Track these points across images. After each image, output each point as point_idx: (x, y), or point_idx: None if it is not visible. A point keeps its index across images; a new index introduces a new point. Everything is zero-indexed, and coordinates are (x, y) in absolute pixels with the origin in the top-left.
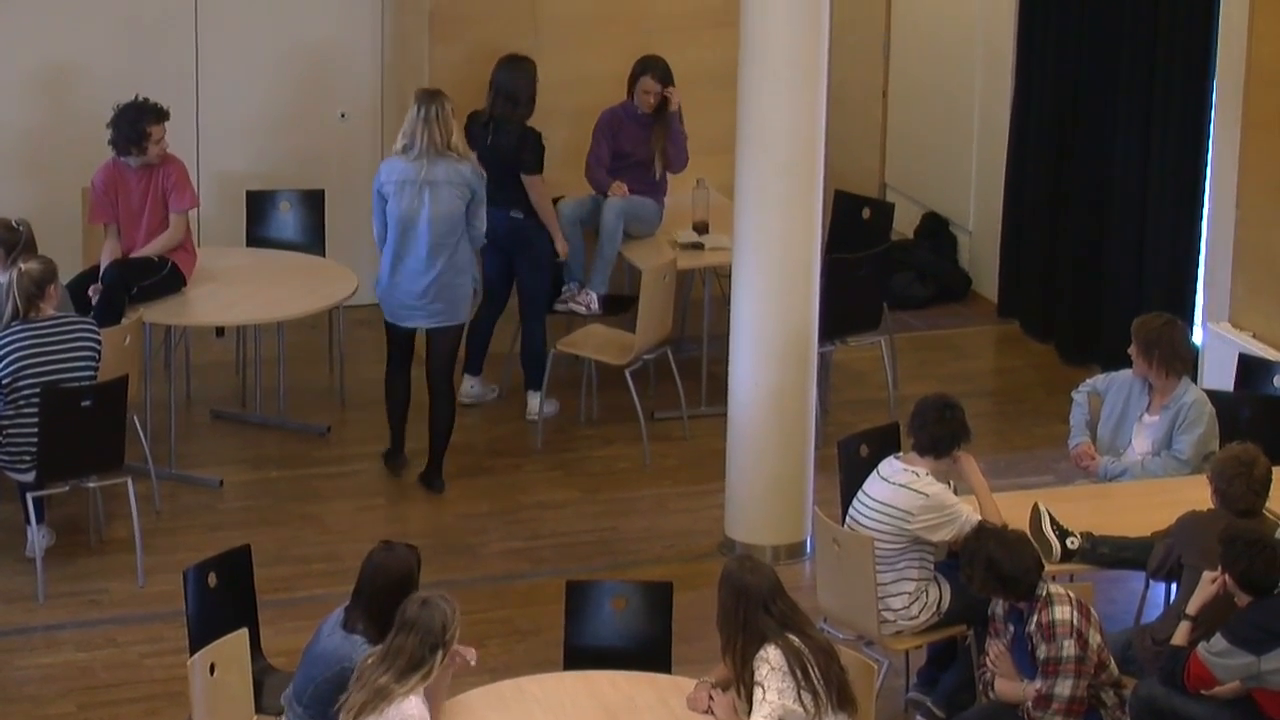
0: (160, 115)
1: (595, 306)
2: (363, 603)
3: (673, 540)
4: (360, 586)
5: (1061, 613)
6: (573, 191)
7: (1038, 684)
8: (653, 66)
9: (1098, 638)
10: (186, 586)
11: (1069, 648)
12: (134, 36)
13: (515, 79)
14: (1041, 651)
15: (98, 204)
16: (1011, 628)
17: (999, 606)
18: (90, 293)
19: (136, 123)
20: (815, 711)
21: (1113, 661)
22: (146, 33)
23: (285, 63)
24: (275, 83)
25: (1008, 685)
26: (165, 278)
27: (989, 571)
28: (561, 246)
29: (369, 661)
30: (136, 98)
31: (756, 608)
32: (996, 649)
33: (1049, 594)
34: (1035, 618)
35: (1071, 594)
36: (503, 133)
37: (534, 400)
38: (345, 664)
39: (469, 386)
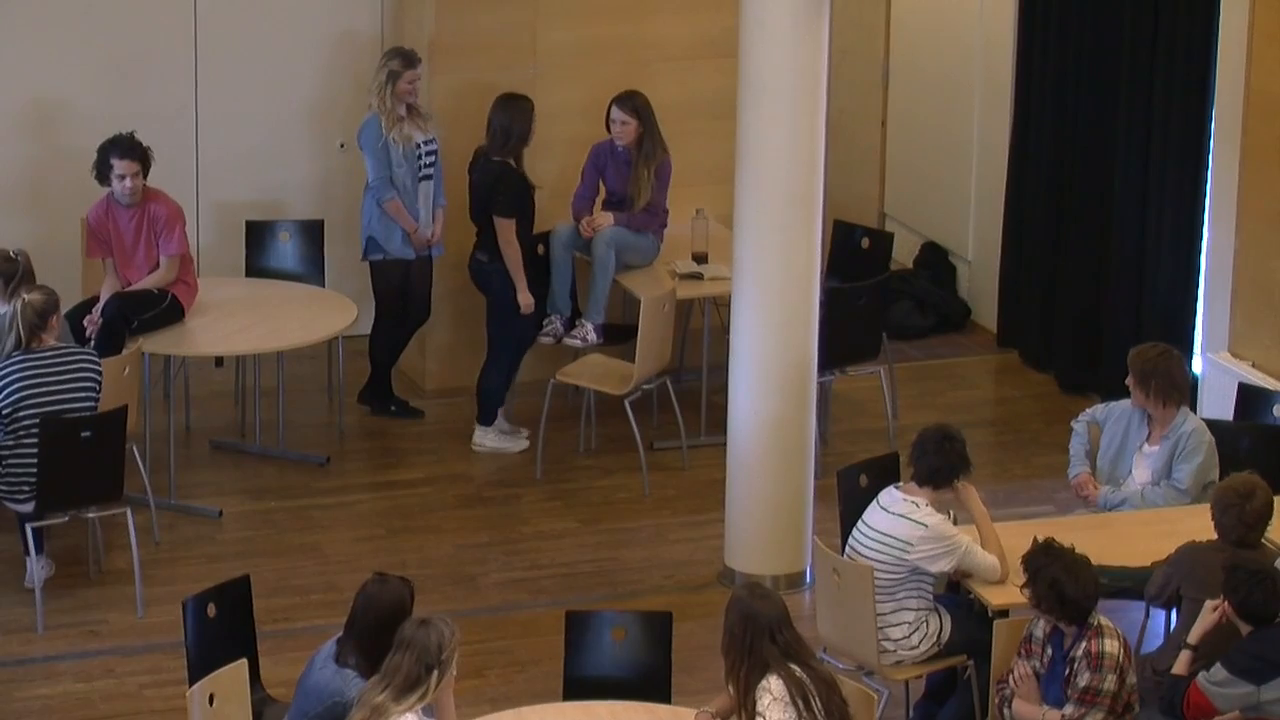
0: (126, 150)
1: (593, 338)
2: (354, 635)
3: (672, 570)
4: (352, 619)
5: (1111, 646)
6: (556, 223)
7: (1068, 710)
8: (621, 99)
9: (1133, 678)
10: (186, 617)
11: (1111, 682)
12: (134, 68)
13: (508, 116)
14: (1083, 680)
15: (91, 240)
16: (1050, 650)
17: (1038, 628)
18: (85, 323)
19: (103, 153)
20: None
21: (1138, 705)
22: (146, 64)
23: (284, 93)
24: (274, 113)
25: (1026, 708)
26: (164, 311)
27: (1051, 590)
28: (524, 299)
29: (369, 683)
30: (120, 133)
31: (762, 635)
32: (1022, 670)
33: (1100, 624)
34: (1084, 644)
35: (1119, 630)
36: (484, 170)
37: (478, 433)
38: (337, 699)
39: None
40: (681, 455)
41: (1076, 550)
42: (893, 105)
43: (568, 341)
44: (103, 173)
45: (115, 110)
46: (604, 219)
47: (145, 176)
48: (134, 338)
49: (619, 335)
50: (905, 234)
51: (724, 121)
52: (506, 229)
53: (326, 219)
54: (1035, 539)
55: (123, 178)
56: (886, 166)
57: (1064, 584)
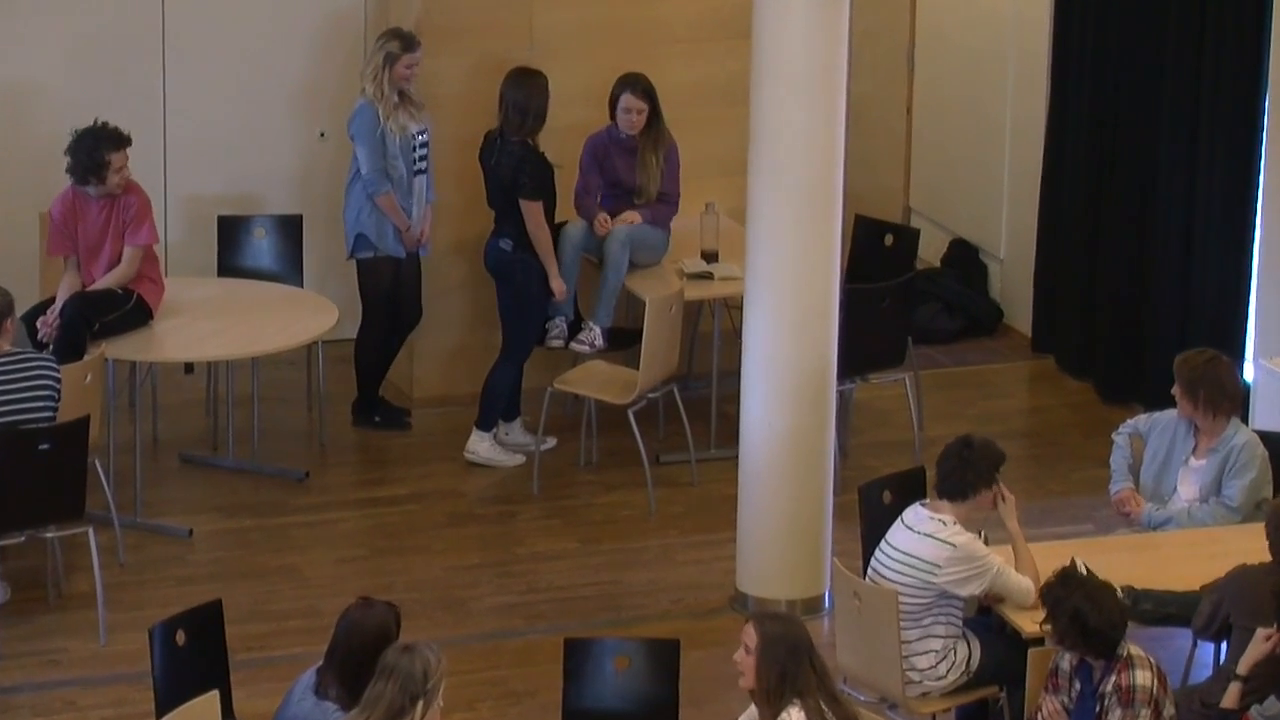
0: (120, 141)
1: (600, 343)
2: (335, 664)
3: (680, 594)
4: (333, 647)
5: (1143, 678)
6: (567, 217)
7: None
8: (633, 83)
9: (1171, 709)
10: (153, 645)
11: (1145, 717)
12: (97, 52)
13: (524, 93)
14: (1115, 716)
15: (55, 235)
16: (1079, 685)
17: (1065, 661)
18: (39, 325)
19: (95, 151)
20: None
21: None
22: (110, 48)
23: (260, 78)
24: (249, 99)
25: None
26: (129, 312)
27: (1073, 623)
28: (557, 285)
29: (349, 715)
30: (95, 122)
31: (805, 661)
32: (1051, 706)
33: (1130, 655)
34: (1114, 679)
35: (1152, 659)
36: (505, 152)
37: (474, 439)
38: None
39: (504, 434)
40: (690, 470)
41: (1098, 577)
42: (918, 90)
43: (574, 346)
44: (91, 170)
45: (76, 97)
46: (631, 216)
47: None
48: (96, 341)
49: (623, 340)
50: (932, 230)
51: (736, 108)
52: (535, 212)
53: (305, 214)
54: (1074, 558)
55: (120, 169)
56: (912, 157)
57: (1087, 615)
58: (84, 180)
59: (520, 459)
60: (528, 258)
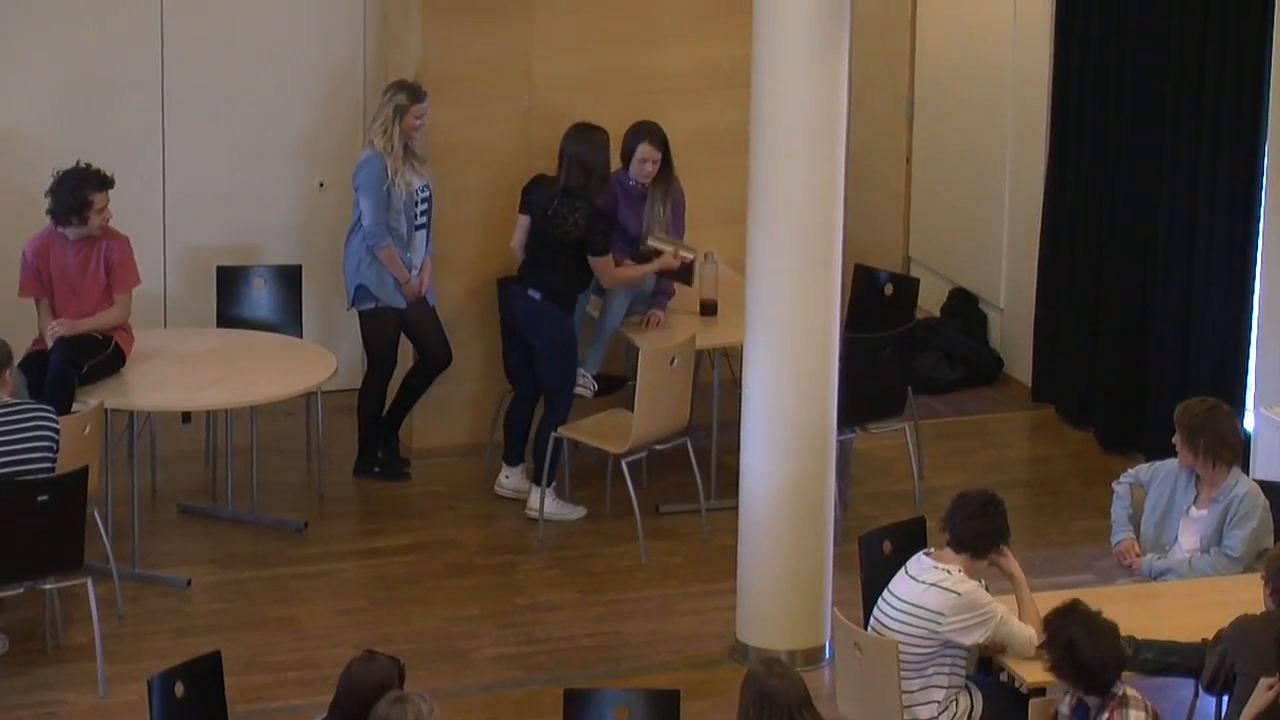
0: (104, 182)
1: (592, 387)
2: (337, 718)
3: (680, 645)
4: (337, 700)
5: (1136, 718)
6: None
7: None
8: (650, 133)
9: None
10: (151, 697)
11: None
12: (96, 101)
13: (586, 149)
14: None
15: (27, 276)
16: None
17: (1064, 705)
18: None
19: (78, 190)
20: None
21: None
22: (109, 94)
23: (259, 128)
24: (248, 149)
25: None
26: (109, 357)
27: (1066, 653)
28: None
29: None
30: (78, 163)
31: (781, 717)
32: None
33: (1126, 695)
34: (1106, 715)
35: (1148, 702)
36: (567, 207)
37: (533, 496)
38: None
39: (504, 478)
40: (701, 520)
41: (1104, 615)
42: (918, 140)
43: (578, 390)
44: (74, 210)
45: (73, 144)
46: (655, 317)
47: None
48: (82, 387)
49: (609, 385)
50: (932, 279)
51: (735, 157)
52: (607, 265)
53: (305, 264)
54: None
55: (102, 210)
56: (911, 206)
57: (1080, 647)
58: (65, 220)
59: (582, 511)
60: (554, 309)
